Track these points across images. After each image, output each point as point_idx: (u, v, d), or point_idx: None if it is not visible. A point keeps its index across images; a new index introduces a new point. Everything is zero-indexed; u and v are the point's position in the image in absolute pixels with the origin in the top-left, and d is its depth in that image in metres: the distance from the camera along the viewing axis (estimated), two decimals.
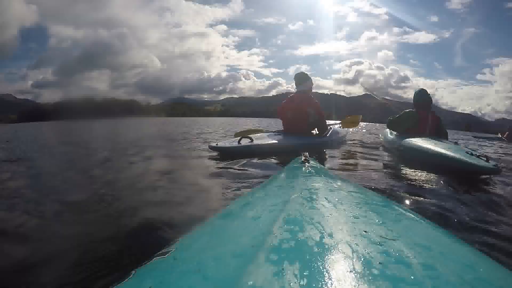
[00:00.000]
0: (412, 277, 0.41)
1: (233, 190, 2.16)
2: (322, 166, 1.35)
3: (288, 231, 0.56)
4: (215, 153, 3.90)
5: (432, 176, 2.88)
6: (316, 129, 5.17)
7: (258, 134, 4.60)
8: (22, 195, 2.17)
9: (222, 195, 2.08)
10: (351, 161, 3.88)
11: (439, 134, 4.65)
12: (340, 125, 6.08)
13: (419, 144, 3.82)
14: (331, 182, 0.94)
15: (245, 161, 3.30)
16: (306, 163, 1.27)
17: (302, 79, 4.89)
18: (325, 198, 0.76)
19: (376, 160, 3.96)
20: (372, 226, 0.59)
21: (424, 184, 2.53)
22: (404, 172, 3.15)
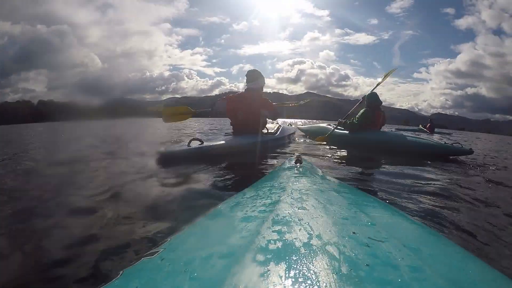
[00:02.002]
0: (399, 280, 0.42)
1: (188, 201, 2.05)
2: (315, 166, 1.38)
3: (276, 231, 0.56)
4: (165, 159, 3.42)
5: (419, 161, 4.09)
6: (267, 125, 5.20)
7: (208, 137, 4.55)
8: None
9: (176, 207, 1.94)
10: (324, 158, 4.16)
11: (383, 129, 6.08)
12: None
13: (406, 138, 5.23)
14: (322, 183, 0.95)
15: (198, 166, 3.18)
16: (299, 164, 1.28)
17: (254, 76, 4.68)
18: (315, 198, 0.76)
19: (347, 154, 4.63)
20: (361, 227, 0.59)
21: (422, 172, 3.33)
22: (391, 164, 3.82)
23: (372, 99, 5.82)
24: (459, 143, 5.05)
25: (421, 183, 2.65)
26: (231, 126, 4.84)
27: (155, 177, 2.71)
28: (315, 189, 0.87)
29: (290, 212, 0.66)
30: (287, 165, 1.33)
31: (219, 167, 3.15)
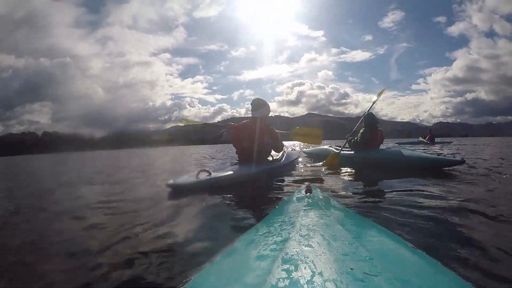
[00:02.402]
0: None
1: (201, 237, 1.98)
2: (324, 195, 1.43)
3: (285, 270, 0.62)
4: (174, 191, 3.55)
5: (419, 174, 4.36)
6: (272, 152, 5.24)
7: (214, 166, 4.66)
8: None
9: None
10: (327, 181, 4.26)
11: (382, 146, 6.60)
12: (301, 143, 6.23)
13: (401, 153, 5.53)
14: (329, 216, 1.01)
15: (208, 197, 3.17)
16: (309, 193, 1.34)
17: (258, 105, 4.82)
18: (321, 235, 0.82)
19: (351, 175, 4.78)
20: (358, 263, 0.64)
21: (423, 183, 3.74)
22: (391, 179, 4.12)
23: (369, 119, 6.27)
24: (452, 154, 5.32)
25: (418, 203, 2.67)
26: (237, 155, 4.96)
27: (165, 211, 2.70)
28: (322, 224, 0.92)
29: (297, 250, 0.72)
30: (298, 195, 1.38)
31: (229, 198, 3.16)
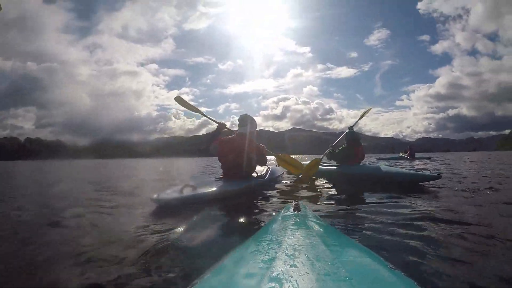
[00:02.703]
0: None
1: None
2: (312, 213, 1.47)
3: None
4: (156, 206, 3.48)
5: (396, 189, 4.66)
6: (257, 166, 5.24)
7: (198, 181, 4.35)
8: None
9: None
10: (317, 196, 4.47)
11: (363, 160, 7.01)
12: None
13: (380, 169, 5.83)
14: (315, 235, 1.04)
15: (192, 213, 3.08)
16: (297, 211, 1.38)
17: (245, 121, 4.89)
18: (306, 255, 0.86)
19: (336, 191, 4.92)
20: (339, 283, 0.68)
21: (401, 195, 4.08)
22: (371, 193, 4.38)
23: (350, 137, 6.70)
24: (429, 170, 5.85)
25: (400, 219, 2.77)
26: (222, 169, 4.90)
27: (149, 228, 2.64)
28: (307, 243, 0.96)
29: (283, 269, 0.76)
30: (286, 213, 1.41)
31: (216, 214, 3.17)
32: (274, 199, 4.10)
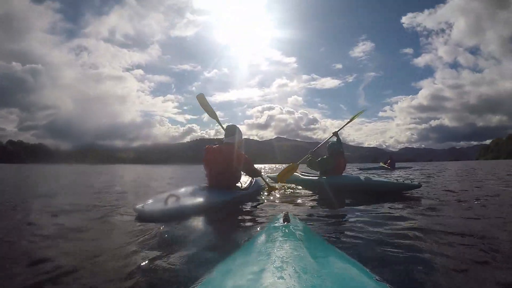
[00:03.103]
0: None
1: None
2: (301, 224, 1.47)
3: None
4: (141, 217, 3.37)
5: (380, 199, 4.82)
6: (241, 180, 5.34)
7: (183, 191, 4.31)
8: None
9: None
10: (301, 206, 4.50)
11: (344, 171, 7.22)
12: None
13: (362, 180, 6.08)
14: (303, 248, 1.05)
15: (179, 223, 3.09)
16: (286, 222, 1.39)
17: (231, 131, 4.87)
18: (293, 267, 0.86)
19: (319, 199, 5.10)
20: None
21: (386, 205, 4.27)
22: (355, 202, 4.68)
23: (332, 148, 6.82)
24: (410, 179, 5.91)
25: (386, 229, 2.85)
26: (206, 178, 4.85)
27: (132, 239, 2.57)
28: (296, 256, 0.97)
29: (271, 281, 0.76)
30: (275, 223, 1.42)
31: (202, 225, 3.15)
32: (263, 209, 4.09)
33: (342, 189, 6.03)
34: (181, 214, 3.42)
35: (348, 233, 2.71)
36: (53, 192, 6.73)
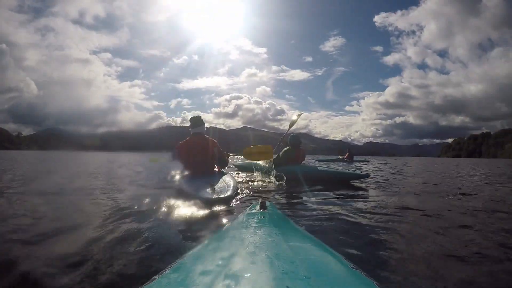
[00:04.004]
0: None
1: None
2: (277, 211, 1.47)
3: (225, 286, 0.66)
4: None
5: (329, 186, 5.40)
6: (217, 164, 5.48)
7: (178, 178, 5.03)
8: None
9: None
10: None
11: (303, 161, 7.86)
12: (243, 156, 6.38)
13: (319, 169, 6.94)
14: (277, 234, 1.04)
15: (155, 210, 3.10)
16: (262, 209, 1.37)
17: (199, 122, 5.10)
18: (266, 253, 0.85)
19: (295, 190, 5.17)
20: (295, 281, 0.68)
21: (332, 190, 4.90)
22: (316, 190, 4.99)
23: (293, 140, 7.49)
24: (360, 170, 7.00)
25: (348, 214, 3.14)
26: (186, 169, 5.09)
27: (109, 225, 2.56)
28: (269, 241, 0.96)
29: (241, 266, 0.76)
30: (252, 210, 1.41)
31: (183, 212, 3.11)
32: (239, 198, 4.08)
33: (301, 176, 6.36)
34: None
35: (325, 223, 2.77)
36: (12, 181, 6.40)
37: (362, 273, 0.87)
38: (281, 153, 7.40)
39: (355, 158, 21.76)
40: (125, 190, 4.73)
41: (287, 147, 7.49)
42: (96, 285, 1.50)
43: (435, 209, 3.49)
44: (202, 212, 3.07)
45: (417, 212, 3.35)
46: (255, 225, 1.16)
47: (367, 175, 6.15)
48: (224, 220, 2.81)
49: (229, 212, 3.22)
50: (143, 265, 1.71)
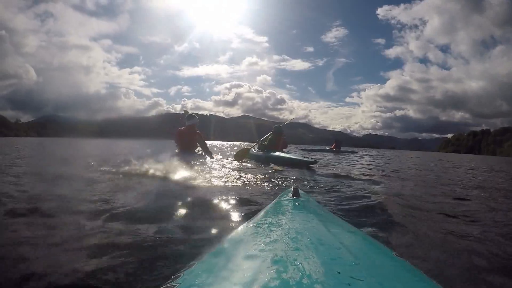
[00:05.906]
0: None
1: None
2: (310, 198, 1.47)
3: (274, 270, 0.63)
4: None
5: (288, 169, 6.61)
6: (201, 149, 8.14)
7: (183, 154, 7.23)
8: None
9: None
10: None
11: (285, 148, 9.76)
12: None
13: (281, 155, 8.25)
14: (315, 220, 1.03)
15: (188, 194, 3.25)
16: (295, 196, 1.35)
17: (192, 118, 7.85)
18: (309, 238, 0.83)
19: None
20: (345, 267, 0.66)
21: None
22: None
23: (276, 130, 9.29)
24: (311, 158, 8.00)
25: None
26: (178, 148, 7.76)
27: (150, 208, 2.65)
28: (309, 227, 0.95)
29: (286, 252, 0.73)
30: (285, 197, 1.40)
31: (213, 197, 3.14)
32: (265, 185, 4.12)
33: (273, 161, 8.02)
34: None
35: (361, 211, 2.87)
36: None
37: (407, 261, 0.86)
38: (265, 139, 9.30)
39: (342, 148, 22.88)
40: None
41: (271, 135, 9.30)
42: (135, 267, 1.50)
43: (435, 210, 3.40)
44: (232, 200, 3.04)
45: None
46: (291, 211, 1.14)
47: (315, 162, 7.41)
48: (255, 206, 2.82)
49: (259, 197, 3.27)
50: (178, 250, 1.71)
